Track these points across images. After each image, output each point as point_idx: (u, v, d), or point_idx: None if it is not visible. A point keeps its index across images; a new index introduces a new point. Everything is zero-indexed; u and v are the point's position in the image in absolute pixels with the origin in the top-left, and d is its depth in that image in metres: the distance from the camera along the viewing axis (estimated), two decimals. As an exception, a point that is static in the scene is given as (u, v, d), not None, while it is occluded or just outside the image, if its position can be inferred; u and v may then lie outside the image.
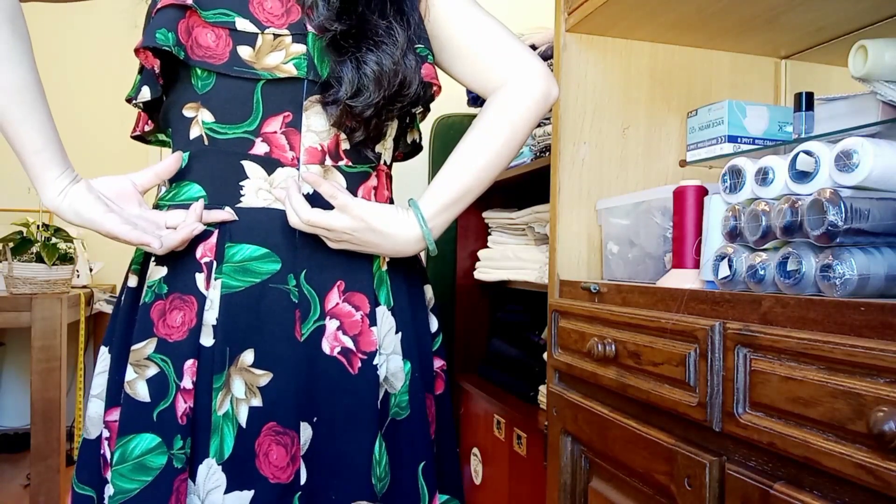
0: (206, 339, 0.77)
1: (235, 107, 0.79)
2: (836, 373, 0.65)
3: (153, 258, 0.81)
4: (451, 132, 2.34)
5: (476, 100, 2.07)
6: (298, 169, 0.81)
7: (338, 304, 0.82)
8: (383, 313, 0.85)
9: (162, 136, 0.92)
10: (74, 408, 2.96)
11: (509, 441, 1.76)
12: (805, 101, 0.95)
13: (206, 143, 0.80)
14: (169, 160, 0.81)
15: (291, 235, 0.80)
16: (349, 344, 0.81)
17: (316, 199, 0.80)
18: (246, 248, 0.79)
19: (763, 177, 0.83)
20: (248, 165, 0.80)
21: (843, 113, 0.91)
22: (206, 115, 0.80)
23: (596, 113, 1.30)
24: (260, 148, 0.80)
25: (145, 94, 0.80)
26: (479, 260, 2.15)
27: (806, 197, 0.76)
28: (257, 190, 0.80)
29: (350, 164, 0.84)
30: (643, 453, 0.94)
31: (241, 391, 0.77)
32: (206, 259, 0.79)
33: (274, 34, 0.77)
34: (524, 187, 2.03)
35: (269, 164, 0.80)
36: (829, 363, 0.66)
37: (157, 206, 0.84)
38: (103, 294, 2.75)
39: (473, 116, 2.28)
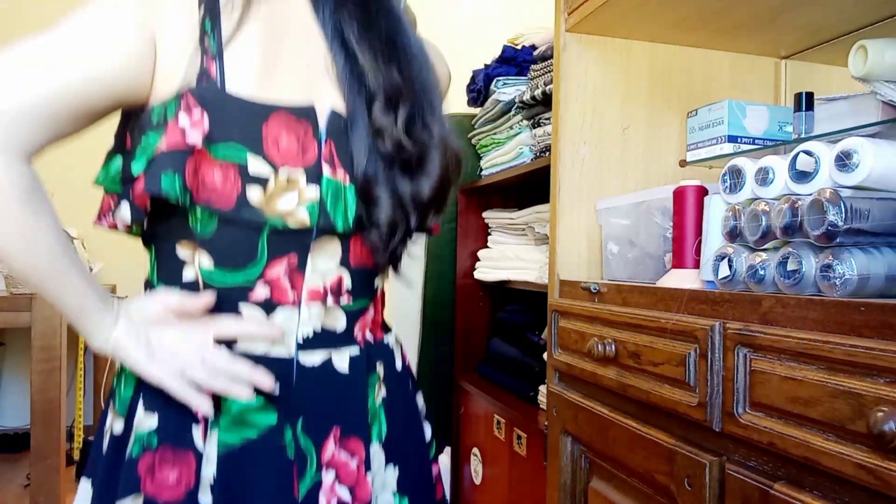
0: (204, 497, 0.72)
1: (238, 253, 0.73)
2: (836, 373, 0.65)
3: (142, 403, 0.74)
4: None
5: (476, 100, 2.07)
6: (299, 309, 0.76)
7: (334, 454, 0.78)
8: (376, 451, 0.82)
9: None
10: (74, 408, 2.96)
11: (509, 441, 1.76)
12: (805, 101, 0.95)
13: (202, 288, 0.74)
14: (200, 301, 0.73)
15: (288, 382, 0.76)
16: (346, 496, 0.78)
17: (315, 341, 0.77)
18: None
19: (763, 177, 0.83)
20: (245, 309, 0.74)
21: (843, 113, 0.91)
22: (204, 261, 0.73)
23: (596, 113, 1.30)
24: (260, 293, 0.74)
25: (124, 215, 0.71)
26: (479, 260, 2.15)
27: (806, 197, 0.76)
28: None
29: (350, 301, 0.80)
30: (643, 453, 0.94)
31: None
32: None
33: (288, 176, 0.71)
34: (524, 187, 2.03)
35: (269, 306, 0.75)
36: (829, 363, 0.66)
37: None
38: (103, 294, 2.74)
39: (473, 116, 2.28)
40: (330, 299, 0.78)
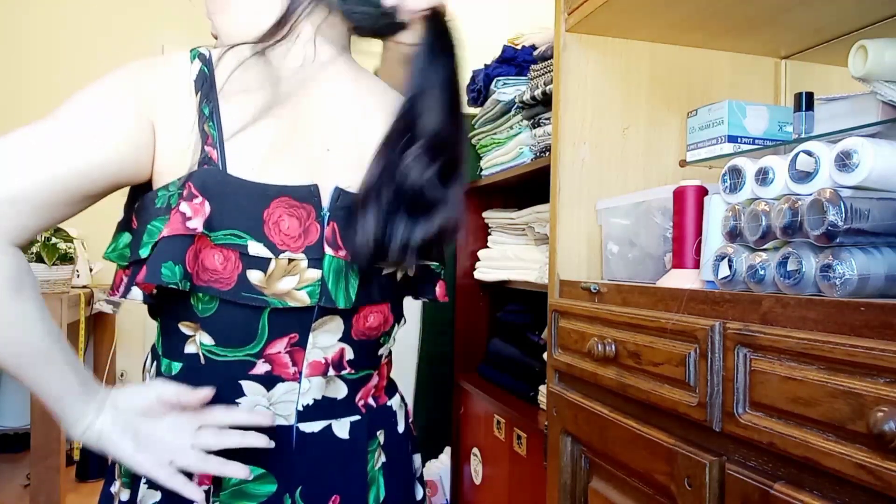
0: None
1: (238, 332, 0.73)
2: (836, 373, 0.65)
3: (144, 479, 0.73)
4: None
5: (476, 100, 2.07)
6: (300, 383, 0.76)
7: None
8: None
9: None
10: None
11: (509, 441, 1.76)
12: (805, 101, 0.95)
13: (203, 361, 0.74)
14: (198, 395, 0.71)
15: (288, 451, 0.76)
16: None
17: (315, 409, 0.77)
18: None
19: (763, 177, 0.83)
20: (246, 384, 0.74)
21: (843, 113, 0.91)
22: (205, 338, 0.73)
23: (596, 113, 1.30)
24: (261, 368, 0.74)
25: (136, 296, 0.72)
26: (479, 260, 2.15)
27: (806, 197, 0.76)
28: (254, 406, 0.75)
29: (352, 371, 0.80)
30: (643, 453, 0.94)
31: None
32: (205, 487, 0.73)
33: (289, 259, 0.71)
34: (524, 187, 2.03)
35: (270, 381, 0.75)
36: (829, 363, 0.66)
37: None
38: (103, 294, 2.74)
39: (473, 116, 2.28)
40: (331, 371, 0.78)
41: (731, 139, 1.06)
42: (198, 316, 0.72)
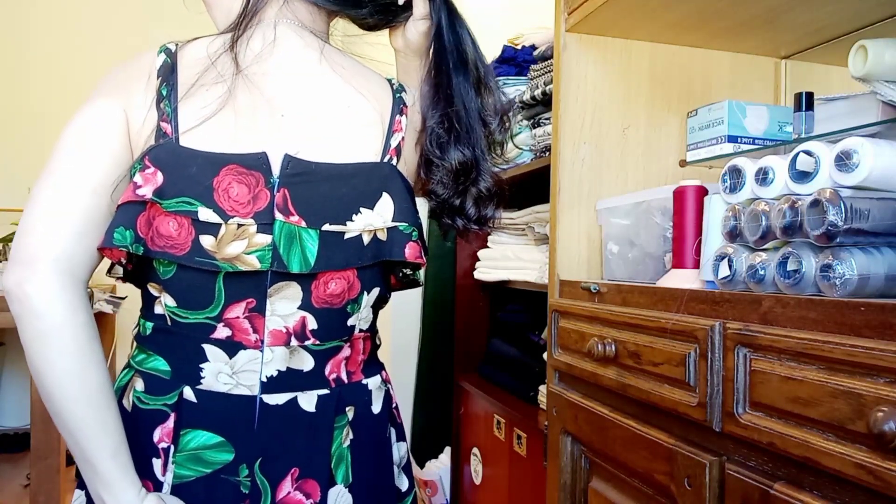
0: None
1: (196, 295, 0.76)
2: (836, 373, 0.65)
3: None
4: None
5: (476, 100, 2.07)
6: (262, 351, 0.78)
7: (289, 493, 0.79)
8: (338, 493, 0.82)
9: None
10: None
11: (509, 441, 1.76)
12: (805, 101, 0.95)
13: (170, 322, 0.78)
14: None
15: (250, 422, 0.78)
16: None
17: (280, 381, 0.78)
18: (201, 436, 0.76)
19: (763, 177, 0.83)
20: (208, 349, 0.77)
21: (843, 113, 0.90)
22: (168, 300, 0.77)
23: (596, 113, 1.30)
24: (221, 332, 0.77)
25: (117, 270, 0.80)
26: (479, 260, 2.15)
27: (806, 197, 0.76)
28: (217, 373, 0.77)
29: (317, 342, 0.80)
30: (643, 453, 0.94)
31: None
32: (164, 444, 0.76)
33: (238, 223, 0.74)
34: (524, 187, 2.03)
35: (231, 347, 0.77)
36: (829, 363, 0.66)
37: (128, 365, 0.82)
38: (103, 294, 2.74)
39: (473, 116, 2.25)
40: (294, 341, 0.79)
41: (731, 139, 1.06)
42: (160, 278, 0.77)
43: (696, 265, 0.97)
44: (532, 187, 1.91)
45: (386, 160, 0.82)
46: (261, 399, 0.78)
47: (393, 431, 0.92)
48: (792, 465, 0.71)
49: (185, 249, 0.73)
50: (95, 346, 0.72)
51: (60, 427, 0.71)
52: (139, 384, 0.78)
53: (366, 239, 0.80)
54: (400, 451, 0.93)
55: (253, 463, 0.78)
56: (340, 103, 0.82)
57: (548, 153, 1.62)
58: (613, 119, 1.31)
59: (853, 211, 0.71)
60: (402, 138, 0.85)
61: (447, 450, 2.33)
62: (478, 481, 2.01)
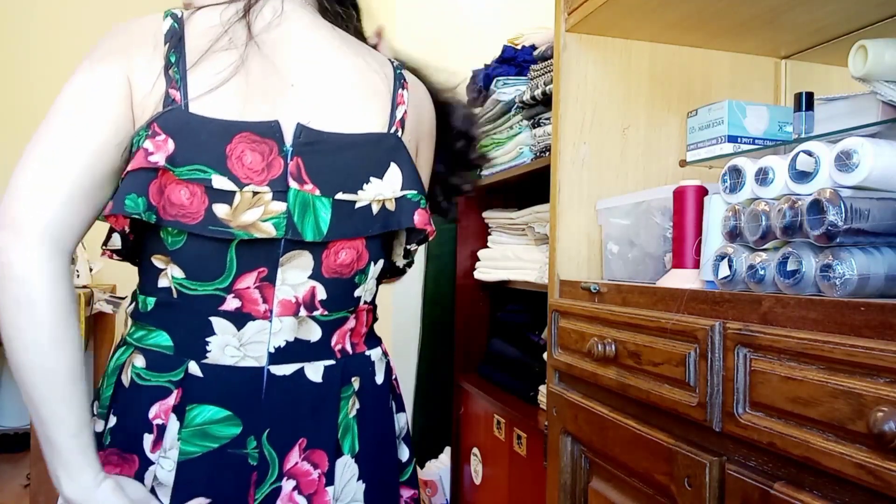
0: (165, 500, 0.74)
1: (207, 265, 0.75)
2: (836, 373, 0.65)
3: (112, 406, 0.76)
4: (451, 132, 2.34)
5: (476, 100, 2.07)
6: (271, 322, 0.77)
7: (297, 463, 0.79)
8: (345, 464, 0.82)
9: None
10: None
11: (509, 441, 1.76)
12: (805, 101, 0.95)
13: (175, 295, 0.76)
14: None
15: (257, 394, 0.77)
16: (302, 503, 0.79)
17: (287, 351, 0.78)
18: (207, 410, 0.75)
19: (763, 177, 0.83)
20: (216, 322, 0.76)
21: (843, 113, 0.90)
22: (175, 271, 0.75)
23: (596, 113, 1.30)
24: (231, 304, 0.76)
25: (116, 242, 0.78)
26: (479, 260, 2.15)
27: (806, 197, 0.76)
28: (224, 346, 0.76)
29: (325, 312, 0.80)
30: (643, 453, 0.94)
31: None
32: (159, 421, 0.75)
33: (253, 191, 0.73)
34: (524, 187, 2.03)
35: (240, 318, 0.76)
36: (829, 363, 0.66)
37: (124, 343, 0.80)
38: (103, 294, 2.74)
39: (473, 116, 2.25)
40: (303, 311, 0.78)
41: (731, 139, 1.06)
42: (167, 249, 0.75)
43: (696, 265, 0.97)
44: (532, 187, 1.91)
45: (392, 131, 0.83)
46: (268, 370, 0.77)
47: (393, 402, 0.93)
48: (792, 465, 0.71)
49: (197, 218, 0.72)
50: (72, 321, 0.69)
51: (27, 399, 0.69)
52: (139, 360, 0.76)
53: (375, 209, 0.80)
54: (400, 421, 0.94)
55: (260, 435, 0.77)
56: (347, 75, 0.83)
57: (548, 153, 1.62)
58: (613, 119, 1.31)
59: (853, 211, 0.71)
60: (406, 111, 0.86)
61: (447, 450, 2.33)
62: (478, 481, 2.01)
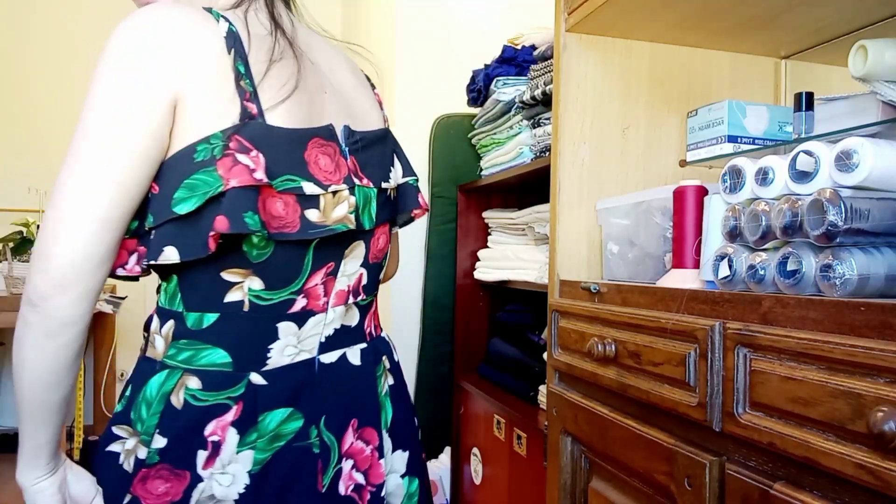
0: None
1: (286, 271, 0.77)
2: (836, 373, 0.65)
3: (158, 430, 0.75)
4: (451, 132, 2.34)
5: (476, 100, 2.07)
6: (326, 313, 0.81)
7: (352, 443, 0.84)
8: (384, 438, 0.88)
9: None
10: (74, 408, 2.96)
11: (509, 441, 1.76)
12: (805, 101, 0.95)
13: (247, 308, 0.76)
14: None
15: (311, 384, 0.80)
16: (361, 480, 0.85)
17: (334, 339, 0.83)
18: (276, 414, 0.77)
19: (763, 177, 0.83)
20: (282, 326, 0.77)
21: (843, 113, 0.90)
22: (255, 283, 0.75)
23: (596, 113, 1.30)
24: (299, 304, 0.78)
25: (171, 255, 0.71)
26: (479, 260, 2.15)
27: (806, 197, 0.76)
28: (284, 348, 0.78)
29: (364, 297, 0.87)
30: (643, 453, 0.94)
31: None
32: (215, 437, 0.74)
33: (334, 191, 0.78)
34: (524, 187, 2.03)
35: (303, 316, 0.79)
36: (829, 363, 0.66)
37: (163, 366, 0.76)
38: (103, 294, 2.74)
39: (473, 116, 2.28)
40: (350, 299, 0.84)
41: (731, 139, 1.06)
42: (250, 262, 0.75)
43: (696, 265, 0.97)
44: (532, 187, 1.91)
45: (386, 126, 0.93)
46: (318, 360, 0.81)
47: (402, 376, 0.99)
48: (792, 465, 0.71)
49: (296, 226, 0.75)
50: (78, 359, 0.74)
51: (25, 407, 0.73)
52: (193, 382, 0.75)
53: (392, 196, 0.90)
54: (410, 392, 1.02)
55: (318, 423, 0.80)
56: (347, 76, 0.89)
57: (548, 153, 1.62)
58: (613, 119, 1.31)
59: (853, 211, 0.71)
60: (383, 108, 0.96)
61: (447, 450, 2.33)
62: (478, 481, 2.01)
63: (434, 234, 2.32)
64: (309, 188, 0.75)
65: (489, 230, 2.14)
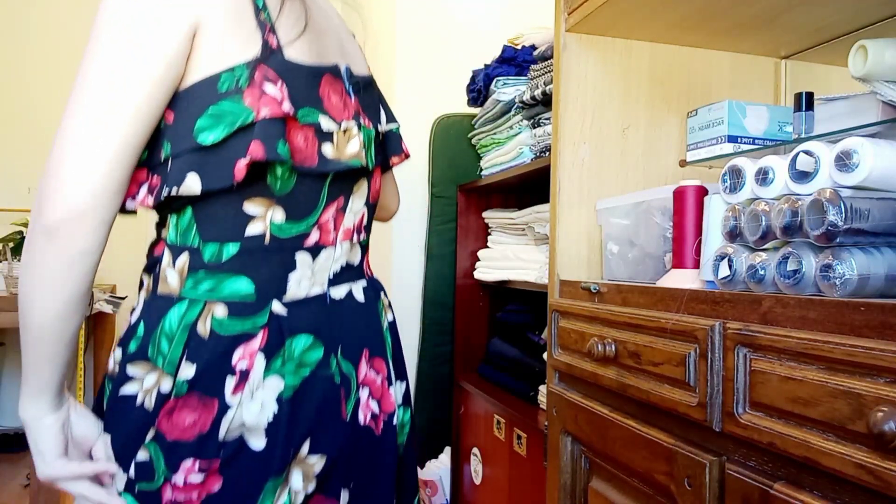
0: (257, 442, 0.75)
1: (305, 203, 0.79)
2: (836, 373, 0.65)
3: (186, 356, 0.73)
4: (451, 132, 2.34)
5: (476, 100, 2.07)
6: (335, 248, 0.84)
7: (366, 373, 0.87)
8: (391, 367, 0.92)
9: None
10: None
11: (509, 441, 1.76)
12: (805, 101, 0.95)
13: (267, 240, 0.76)
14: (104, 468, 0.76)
15: (325, 316, 0.82)
16: (375, 408, 0.88)
17: (341, 275, 0.85)
18: (300, 339, 0.78)
19: (763, 177, 0.83)
20: (299, 257, 0.80)
21: (843, 113, 0.90)
22: (277, 215, 0.76)
23: (596, 113, 1.30)
24: (313, 238, 0.80)
25: (193, 186, 0.71)
26: (479, 260, 2.15)
27: (806, 197, 0.76)
28: (300, 280, 0.80)
29: (364, 237, 0.91)
30: (643, 453, 0.94)
31: (300, 483, 0.78)
32: (243, 364, 0.74)
33: (345, 128, 0.80)
34: (524, 187, 2.03)
35: (316, 250, 0.81)
36: (829, 363, 0.66)
37: (181, 299, 0.75)
38: (103, 294, 2.74)
39: (473, 116, 2.28)
40: (355, 236, 0.87)
41: (731, 139, 1.06)
42: (275, 194, 0.76)
43: (696, 265, 0.97)
44: (532, 187, 1.91)
45: (370, 74, 0.95)
46: (329, 294, 0.84)
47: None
48: (792, 465, 0.71)
49: (315, 161, 0.77)
50: (89, 289, 0.74)
51: (34, 343, 0.72)
52: (219, 310, 0.74)
53: (381, 139, 0.93)
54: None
55: (337, 351, 0.82)
56: (337, 21, 0.91)
57: (548, 153, 1.62)
58: (613, 119, 1.31)
59: (853, 211, 0.71)
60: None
61: (447, 450, 2.33)
62: (478, 481, 2.01)
63: (434, 234, 2.32)
64: (325, 123, 0.77)
65: (489, 230, 2.14)
